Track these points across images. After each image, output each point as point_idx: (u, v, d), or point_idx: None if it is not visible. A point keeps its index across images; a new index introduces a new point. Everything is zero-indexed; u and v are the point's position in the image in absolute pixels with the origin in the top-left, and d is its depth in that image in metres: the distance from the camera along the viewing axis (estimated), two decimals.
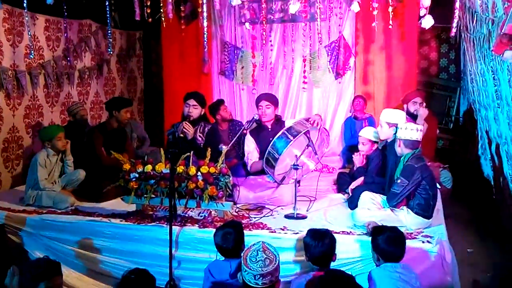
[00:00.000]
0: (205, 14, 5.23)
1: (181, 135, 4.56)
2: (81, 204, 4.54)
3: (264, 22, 6.14)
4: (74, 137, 5.05)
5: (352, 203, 4.20)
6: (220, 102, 6.13)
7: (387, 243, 2.88)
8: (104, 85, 7.33)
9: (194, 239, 3.76)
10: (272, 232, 3.73)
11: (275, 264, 2.50)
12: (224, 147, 4.36)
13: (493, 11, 4.43)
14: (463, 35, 6.60)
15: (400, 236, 2.96)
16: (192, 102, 4.79)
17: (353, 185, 4.54)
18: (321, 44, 6.70)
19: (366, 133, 4.81)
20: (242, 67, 7.31)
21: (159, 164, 4.02)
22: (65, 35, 6.00)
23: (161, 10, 5.54)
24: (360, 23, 6.70)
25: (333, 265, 3.05)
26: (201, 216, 4.07)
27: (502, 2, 4.00)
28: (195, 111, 4.78)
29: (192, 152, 4.07)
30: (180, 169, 3.92)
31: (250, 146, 4.78)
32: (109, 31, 5.95)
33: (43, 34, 5.90)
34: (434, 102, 7.83)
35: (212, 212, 4.06)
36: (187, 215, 4.09)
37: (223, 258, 3.11)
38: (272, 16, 7.05)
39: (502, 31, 3.76)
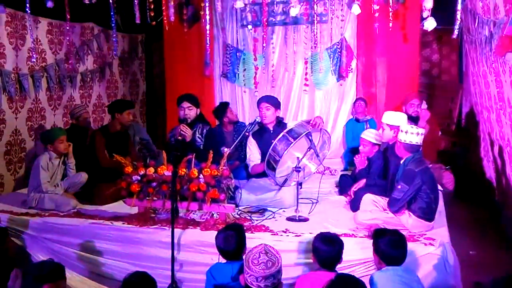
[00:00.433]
0: (207, 17, 5.25)
1: (179, 138, 4.56)
2: (83, 206, 4.55)
3: (265, 24, 6.14)
4: (77, 140, 5.06)
5: (354, 206, 4.20)
6: (227, 104, 6.14)
7: (389, 246, 2.87)
8: (107, 88, 7.36)
9: (196, 242, 3.76)
10: (274, 234, 3.73)
11: (277, 266, 2.51)
12: (226, 149, 4.36)
13: (495, 13, 4.44)
14: (465, 37, 6.61)
15: (402, 239, 2.95)
16: (186, 104, 4.81)
17: (355, 187, 4.53)
18: (318, 46, 6.70)
19: (368, 135, 4.81)
20: (244, 70, 7.32)
21: (161, 167, 4.03)
22: (68, 38, 6.02)
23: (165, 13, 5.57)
24: (362, 25, 6.70)
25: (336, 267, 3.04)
26: (203, 218, 4.07)
27: (504, 4, 4.01)
28: (191, 112, 4.81)
29: (194, 155, 4.08)
30: (182, 171, 3.93)
31: (252, 148, 4.78)
32: (114, 35, 5.97)
33: (45, 37, 5.93)
34: (436, 104, 7.84)
35: (214, 215, 4.06)
36: (189, 218, 4.09)
37: (225, 261, 3.11)
38: (273, 19, 7.07)
39: (504, 33, 3.77)
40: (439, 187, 4.12)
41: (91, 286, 3.95)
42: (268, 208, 4.37)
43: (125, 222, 4.04)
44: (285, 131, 4.13)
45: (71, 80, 6.40)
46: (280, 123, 4.82)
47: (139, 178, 4.05)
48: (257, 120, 4.74)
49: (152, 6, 5.49)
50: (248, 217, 4.14)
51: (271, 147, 4.08)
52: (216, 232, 3.22)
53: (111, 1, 5.29)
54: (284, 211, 4.32)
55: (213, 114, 5.98)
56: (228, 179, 3.93)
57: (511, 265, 4.26)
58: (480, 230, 5.23)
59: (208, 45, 5.61)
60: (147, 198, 4.05)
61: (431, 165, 4.68)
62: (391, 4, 5.04)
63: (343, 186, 4.96)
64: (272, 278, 2.48)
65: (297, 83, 7.20)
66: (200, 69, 7.23)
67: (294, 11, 5.03)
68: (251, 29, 7.04)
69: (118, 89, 7.68)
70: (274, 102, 4.79)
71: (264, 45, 6.59)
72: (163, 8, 5.56)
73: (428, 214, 3.69)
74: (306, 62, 7.04)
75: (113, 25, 5.61)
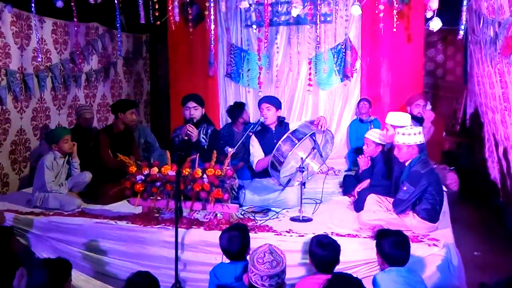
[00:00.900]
0: (212, 17, 5.25)
1: (186, 137, 4.56)
2: (87, 206, 4.57)
3: (267, 24, 6.14)
4: (81, 140, 5.08)
5: (358, 206, 4.19)
6: (244, 105, 6.16)
7: (392, 247, 2.86)
8: (111, 88, 7.38)
9: (200, 242, 3.76)
10: (277, 234, 3.73)
11: (282, 266, 2.52)
12: (229, 149, 4.37)
13: (499, 13, 4.42)
14: (469, 38, 6.59)
15: (405, 240, 2.94)
16: (191, 104, 4.80)
17: (359, 187, 4.53)
18: (322, 46, 6.69)
19: (372, 135, 4.81)
20: (248, 70, 7.31)
21: (164, 167, 4.04)
22: (74, 38, 6.05)
23: (169, 13, 5.57)
24: (366, 26, 6.69)
25: (338, 268, 3.04)
26: (207, 218, 4.08)
27: (509, 4, 3.99)
28: (197, 112, 4.80)
29: (198, 155, 4.08)
30: (186, 171, 3.93)
31: (255, 147, 4.78)
32: (119, 35, 5.99)
33: (50, 37, 5.95)
34: (440, 105, 7.82)
35: (218, 215, 4.06)
36: (192, 218, 4.10)
37: (229, 261, 3.11)
38: (278, 19, 7.06)
39: (509, 33, 3.76)
40: (444, 188, 4.10)
41: (96, 285, 3.96)
42: (272, 208, 4.37)
43: (129, 221, 4.06)
44: (289, 132, 4.13)
45: (75, 80, 6.42)
46: (281, 123, 4.81)
47: (143, 177, 4.07)
48: (261, 120, 4.74)
49: (156, 6, 5.49)
50: (252, 217, 4.14)
51: (275, 148, 4.08)
52: (219, 232, 3.23)
53: (116, 1, 5.30)
54: (287, 211, 4.32)
55: (228, 113, 5.98)
56: (232, 179, 3.94)
57: None
58: (484, 231, 5.22)
59: (212, 45, 5.61)
60: (151, 197, 4.06)
61: (435, 166, 4.67)
62: (395, 5, 5.03)
63: (346, 186, 4.96)
64: (277, 277, 2.49)
65: (301, 83, 7.20)
66: (204, 69, 7.24)
67: (295, 12, 5.02)
68: (255, 29, 7.03)
69: (122, 89, 7.70)
70: (275, 102, 4.78)
71: (265, 45, 6.56)
72: (169, 8, 5.56)
73: (432, 216, 3.68)
74: (310, 62, 7.03)
75: (117, 25, 5.63)
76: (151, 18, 5.57)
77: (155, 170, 4.05)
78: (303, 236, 3.66)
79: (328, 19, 6.83)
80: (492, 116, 5.67)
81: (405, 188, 3.66)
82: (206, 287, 3.16)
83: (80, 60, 6.45)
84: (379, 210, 3.90)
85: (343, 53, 6.95)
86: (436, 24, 4.53)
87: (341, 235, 3.64)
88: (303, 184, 4.26)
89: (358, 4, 4.77)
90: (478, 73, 6.31)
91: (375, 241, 3.05)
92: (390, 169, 4.37)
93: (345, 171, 5.99)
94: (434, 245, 3.43)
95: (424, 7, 4.84)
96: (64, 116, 6.24)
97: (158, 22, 5.67)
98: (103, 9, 5.62)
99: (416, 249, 3.27)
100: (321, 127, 4.30)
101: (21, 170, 5.53)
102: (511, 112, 4.71)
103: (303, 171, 4.16)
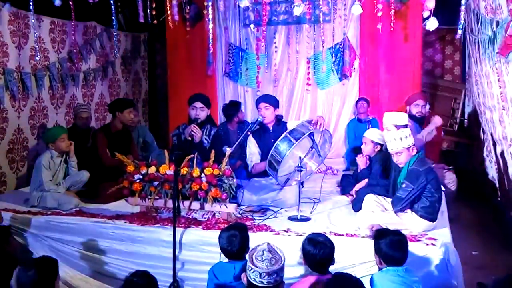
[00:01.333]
0: (210, 16, 5.24)
1: (189, 138, 4.56)
2: (85, 205, 4.55)
3: (265, 24, 6.13)
4: (78, 139, 5.07)
5: (356, 205, 4.20)
6: (240, 104, 6.16)
7: (390, 247, 2.86)
8: (109, 87, 7.37)
9: (198, 241, 3.76)
10: (276, 234, 3.73)
11: (280, 263, 2.53)
12: (228, 149, 4.36)
13: (498, 13, 4.43)
14: (468, 37, 6.60)
15: (403, 240, 2.94)
16: (199, 104, 4.77)
17: (357, 187, 4.54)
18: (320, 45, 6.69)
19: (371, 134, 4.81)
20: (247, 69, 7.31)
21: (163, 166, 4.03)
22: (72, 37, 6.03)
23: (167, 12, 5.56)
24: (365, 25, 6.68)
25: (336, 267, 3.04)
26: (205, 217, 4.08)
27: (507, 4, 3.99)
28: (203, 113, 4.78)
29: (196, 154, 4.08)
30: (184, 170, 3.93)
31: (252, 148, 4.78)
32: (114, 34, 5.97)
33: (48, 36, 5.94)
34: (438, 104, 7.83)
35: (216, 214, 4.06)
36: (190, 217, 4.09)
37: (227, 260, 3.11)
38: (276, 18, 7.06)
39: (507, 32, 3.76)
40: (442, 187, 4.11)
41: (94, 285, 3.96)
42: (270, 208, 4.37)
43: (127, 221, 4.05)
44: (287, 131, 4.13)
45: (73, 79, 6.41)
46: (279, 122, 4.81)
47: (141, 177, 4.06)
48: (259, 119, 4.74)
49: (154, 5, 5.48)
50: (250, 217, 4.14)
51: (273, 147, 4.08)
52: (218, 231, 3.23)
53: (112, 0, 5.28)
54: (286, 210, 4.32)
55: (223, 112, 5.98)
56: (230, 179, 3.93)
57: None
58: (482, 230, 5.23)
59: (210, 44, 5.60)
60: (149, 197, 4.05)
61: (434, 165, 4.67)
62: (393, 4, 5.03)
63: (345, 185, 4.96)
64: (275, 275, 2.50)
65: (299, 83, 7.20)
66: (202, 69, 7.22)
67: (298, 10, 5.00)
68: (253, 28, 7.02)
69: (120, 88, 7.69)
70: (273, 101, 4.78)
71: (263, 45, 6.56)
72: (168, 7, 5.55)
73: (431, 214, 3.68)
74: (308, 62, 7.03)
75: (114, 24, 5.60)
76: (150, 17, 5.56)
77: (153, 169, 4.05)
78: (301, 235, 3.64)
79: (327, 18, 6.82)
80: (490, 116, 5.68)
81: (404, 186, 3.67)
82: (204, 286, 3.16)
83: (78, 59, 6.44)
84: (377, 210, 3.90)
85: (341, 53, 6.95)
86: (432, 24, 4.53)
87: (339, 235, 3.64)
88: (301, 183, 4.26)
89: (358, 3, 4.76)
90: (476, 72, 6.32)
91: (373, 240, 3.05)
92: (388, 168, 4.37)
93: (343, 170, 5.99)
94: (432, 244, 3.43)
95: (422, 6, 4.83)
96: (62, 115, 6.22)
97: (155, 21, 5.65)
98: (101, 8, 5.60)
99: (414, 249, 3.27)
100: (319, 126, 4.30)
101: (19, 169, 5.51)
102: (509, 112, 4.71)
103: (301, 171, 4.15)
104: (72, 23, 5.54)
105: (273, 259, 2.51)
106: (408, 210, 3.75)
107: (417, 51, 6.62)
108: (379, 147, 4.74)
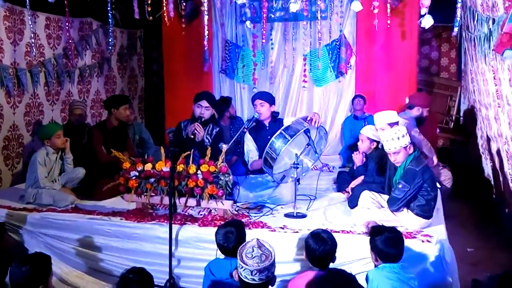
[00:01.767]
0: (206, 12, 5.22)
1: (191, 136, 4.54)
2: (81, 202, 4.54)
3: (265, 20, 6.12)
4: (73, 135, 5.06)
5: (352, 202, 4.20)
6: (230, 99, 6.15)
7: (385, 244, 2.86)
8: (105, 84, 7.34)
9: (194, 238, 3.76)
10: (272, 231, 3.73)
11: (271, 259, 2.52)
12: (224, 145, 4.36)
13: (494, 10, 4.43)
14: (464, 35, 6.60)
15: (399, 237, 2.95)
16: (204, 103, 4.73)
17: (353, 184, 4.53)
18: (317, 42, 6.68)
19: (367, 131, 4.81)
20: (243, 66, 7.31)
21: (159, 163, 4.03)
22: (67, 34, 6.00)
23: (163, 8, 5.54)
24: (361, 22, 6.69)
25: (332, 264, 3.05)
26: (201, 214, 4.08)
27: (503, 1, 4.00)
28: (207, 112, 4.74)
29: (193, 151, 4.07)
30: (180, 167, 3.92)
31: (250, 145, 4.78)
32: (110, 30, 5.94)
33: (43, 32, 5.91)
34: (434, 101, 7.83)
35: (212, 211, 4.06)
36: (187, 214, 4.09)
37: (223, 257, 3.11)
38: (273, 15, 7.05)
39: (503, 30, 3.76)
40: (437, 185, 4.11)
41: (89, 281, 3.96)
42: (266, 205, 4.37)
43: (123, 217, 4.04)
44: (282, 128, 4.12)
45: (69, 75, 6.38)
46: (275, 119, 4.81)
47: (137, 173, 4.05)
48: (255, 116, 4.73)
49: (149, 1, 5.46)
50: (246, 214, 4.14)
51: (268, 144, 4.07)
52: (214, 228, 3.23)
53: None
54: (282, 207, 4.31)
55: (216, 106, 5.97)
56: (226, 175, 3.93)
57: (509, 262, 4.27)
58: (478, 227, 5.24)
59: (207, 41, 5.59)
60: (145, 194, 4.05)
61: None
62: (389, 2, 5.03)
63: (341, 182, 4.97)
64: (266, 271, 2.50)
65: (296, 80, 7.20)
66: (199, 65, 7.21)
67: (294, 7, 5.00)
68: (249, 25, 7.01)
69: (116, 85, 7.67)
70: (268, 98, 4.78)
71: (264, 41, 6.55)
72: (164, 3, 5.53)
73: (426, 212, 3.69)
74: (305, 59, 7.03)
75: (109, 20, 5.58)
76: (146, 14, 5.54)
77: (149, 166, 4.04)
78: (297, 232, 3.66)
79: (323, 15, 6.82)
80: (485, 113, 5.69)
81: (400, 186, 3.66)
82: (200, 283, 3.16)
83: (73, 56, 6.41)
84: (373, 207, 3.90)
85: (338, 50, 6.95)
86: (427, 22, 4.53)
87: (335, 231, 3.64)
88: (297, 180, 4.26)
89: (358, 0, 4.76)
90: (472, 70, 6.33)
91: (369, 237, 3.06)
92: (385, 165, 4.37)
93: (339, 167, 5.99)
94: (428, 241, 3.44)
95: (419, 4, 4.83)
96: (57, 111, 6.20)
97: (151, 18, 5.63)
98: (97, 4, 5.58)
99: (409, 245, 3.27)
100: (315, 123, 4.30)
101: (14, 166, 5.49)
102: (505, 109, 4.72)
103: (297, 168, 4.15)
104: (67, 19, 5.52)
105: (263, 255, 2.51)
106: (404, 209, 3.75)
107: (413, 49, 6.63)
108: (375, 144, 4.75)
